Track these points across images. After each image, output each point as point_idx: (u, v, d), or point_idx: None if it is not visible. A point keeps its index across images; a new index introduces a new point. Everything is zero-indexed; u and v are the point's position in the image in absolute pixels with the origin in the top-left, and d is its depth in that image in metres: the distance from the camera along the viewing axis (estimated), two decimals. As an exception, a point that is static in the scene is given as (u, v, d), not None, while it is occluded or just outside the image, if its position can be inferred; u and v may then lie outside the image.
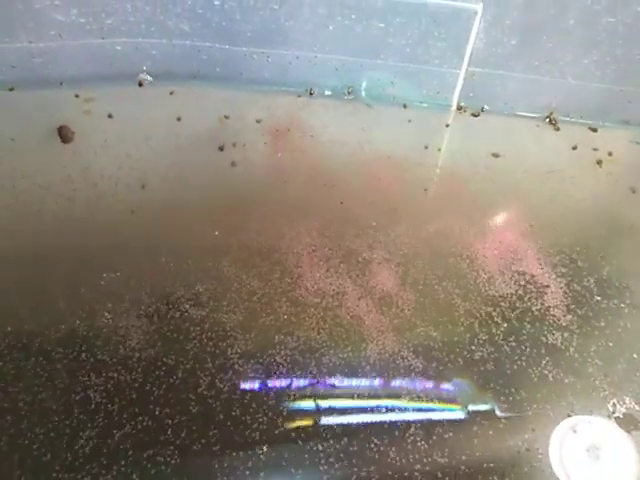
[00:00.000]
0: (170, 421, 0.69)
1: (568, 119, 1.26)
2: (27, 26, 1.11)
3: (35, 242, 0.91)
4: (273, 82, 1.22)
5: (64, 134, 1.07)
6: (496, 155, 1.15)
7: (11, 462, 0.65)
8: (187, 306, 0.82)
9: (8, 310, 0.80)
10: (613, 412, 0.76)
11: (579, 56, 1.21)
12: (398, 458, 0.69)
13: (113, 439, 0.67)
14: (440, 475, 0.68)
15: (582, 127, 1.25)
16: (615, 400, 0.77)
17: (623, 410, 0.76)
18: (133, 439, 0.67)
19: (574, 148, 1.19)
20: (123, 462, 0.65)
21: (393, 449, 0.69)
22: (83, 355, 0.75)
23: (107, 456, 0.66)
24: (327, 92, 1.24)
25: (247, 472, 0.66)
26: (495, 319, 0.86)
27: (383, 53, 1.21)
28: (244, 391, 0.73)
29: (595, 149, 1.20)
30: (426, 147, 1.16)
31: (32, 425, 0.68)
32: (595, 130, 1.24)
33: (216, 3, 1.12)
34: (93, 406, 0.70)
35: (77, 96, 1.13)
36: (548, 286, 0.92)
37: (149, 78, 1.19)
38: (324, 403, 0.73)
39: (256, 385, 0.74)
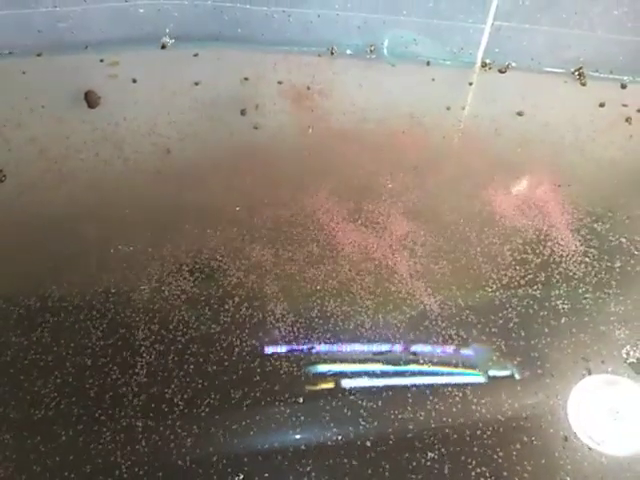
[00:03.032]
0: (205, 378, 0.73)
1: (597, 74, 1.23)
2: (51, -9, 1.13)
3: (64, 204, 0.94)
4: (294, 42, 1.22)
5: (90, 99, 1.10)
6: (520, 113, 1.13)
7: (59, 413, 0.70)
8: (213, 271, 0.85)
9: (41, 272, 0.84)
10: (627, 358, 0.78)
11: (610, 7, 1.17)
12: (419, 417, 0.71)
13: (157, 390, 0.72)
14: (456, 434, 0.70)
15: (611, 83, 1.22)
16: (629, 347, 0.79)
17: (637, 355, 0.78)
18: (171, 391, 0.72)
19: (602, 105, 1.16)
20: (160, 410, 0.70)
21: (415, 408, 0.72)
22: (115, 317, 0.79)
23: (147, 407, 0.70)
24: (349, 51, 1.23)
25: (279, 426, 0.70)
26: (517, 272, 0.87)
27: (405, 9, 1.19)
28: (275, 351, 0.76)
29: (624, 105, 1.17)
30: (450, 105, 1.15)
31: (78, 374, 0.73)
32: (624, 86, 1.20)
33: (236, -37, 1.11)
34: (131, 362, 0.74)
35: (102, 61, 1.15)
36: (570, 243, 0.92)
37: (172, 41, 1.20)
38: (348, 363, 0.76)
39: (285, 345, 0.77)
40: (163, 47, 1.19)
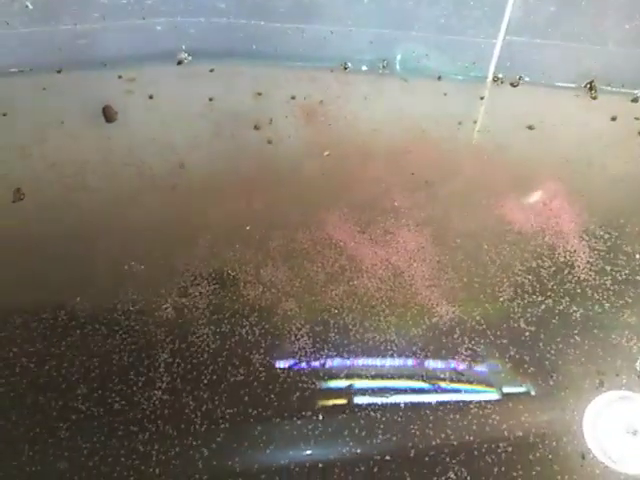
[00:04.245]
0: (222, 395, 0.74)
1: (609, 88, 1.23)
2: (72, 9, 1.16)
3: (81, 219, 0.96)
4: (308, 57, 1.24)
5: (108, 114, 1.12)
6: (532, 127, 1.14)
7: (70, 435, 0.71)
8: (228, 288, 0.86)
9: (55, 287, 0.86)
10: None
11: (621, 21, 1.17)
12: (437, 433, 0.72)
13: (174, 407, 0.73)
14: (474, 451, 0.70)
15: (623, 96, 1.22)
16: None
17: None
18: (188, 408, 0.73)
19: (613, 119, 1.17)
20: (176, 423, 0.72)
21: (427, 425, 0.73)
22: (131, 333, 0.80)
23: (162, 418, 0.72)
24: (362, 66, 1.24)
25: (297, 443, 0.71)
26: (530, 289, 0.87)
27: (417, 25, 1.20)
28: (293, 366, 0.77)
29: (636, 119, 1.17)
30: (461, 119, 1.16)
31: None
32: (636, 100, 1.20)
33: (251, -19, 1.14)
34: (148, 379, 0.76)
35: (120, 77, 1.18)
36: (584, 258, 0.92)
37: (188, 57, 1.22)
38: (366, 379, 0.77)
39: (303, 361, 0.78)
40: (179, 63, 1.22)
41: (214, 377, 0.75)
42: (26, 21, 1.16)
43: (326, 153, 1.07)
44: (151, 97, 1.15)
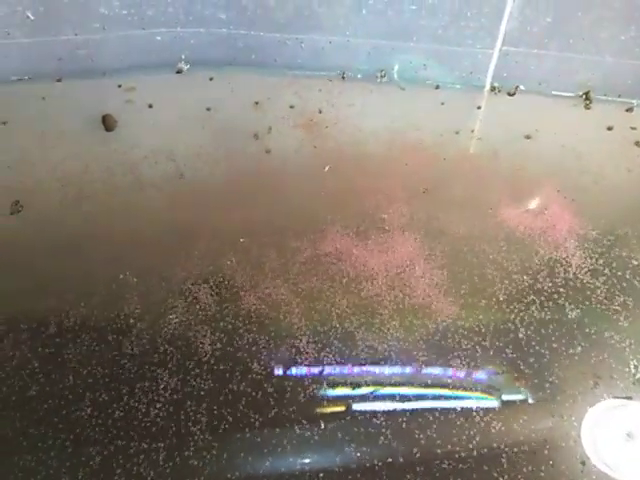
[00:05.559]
0: (222, 404, 0.74)
1: (605, 98, 1.24)
2: (72, 19, 1.17)
3: (79, 227, 0.96)
4: (306, 67, 1.25)
5: (108, 123, 1.13)
6: (528, 136, 1.15)
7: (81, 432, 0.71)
8: (225, 297, 0.86)
9: (55, 293, 0.85)
10: (635, 373, 0.78)
11: (617, 32, 1.19)
12: (432, 442, 0.72)
13: (173, 415, 0.73)
14: (475, 455, 0.70)
15: (619, 106, 1.23)
16: (636, 361, 0.80)
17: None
18: (188, 418, 0.73)
19: (610, 128, 1.18)
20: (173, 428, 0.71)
21: (427, 432, 0.73)
22: (128, 343, 0.80)
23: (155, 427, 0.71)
24: (359, 76, 1.26)
25: (299, 450, 0.70)
26: (526, 288, 0.88)
27: (415, 35, 1.22)
28: (295, 374, 0.77)
29: (633, 128, 1.18)
30: (459, 129, 1.17)
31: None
32: (632, 110, 1.22)
33: (251, -8, 1.15)
34: (146, 388, 0.75)
35: (119, 86, 1.19)
36: (580, 263, 0.92)
37: (187, 67, 1.23)
38: (367, 386, 0.76)
39: (304, 369, 0.77)
40: (179, 72, 1.23)
41: (215, 386, 0.75)
42: (27, 31, 1.17)
43: (326, 168, 1.07)
44: (150, 106, 1.16)
